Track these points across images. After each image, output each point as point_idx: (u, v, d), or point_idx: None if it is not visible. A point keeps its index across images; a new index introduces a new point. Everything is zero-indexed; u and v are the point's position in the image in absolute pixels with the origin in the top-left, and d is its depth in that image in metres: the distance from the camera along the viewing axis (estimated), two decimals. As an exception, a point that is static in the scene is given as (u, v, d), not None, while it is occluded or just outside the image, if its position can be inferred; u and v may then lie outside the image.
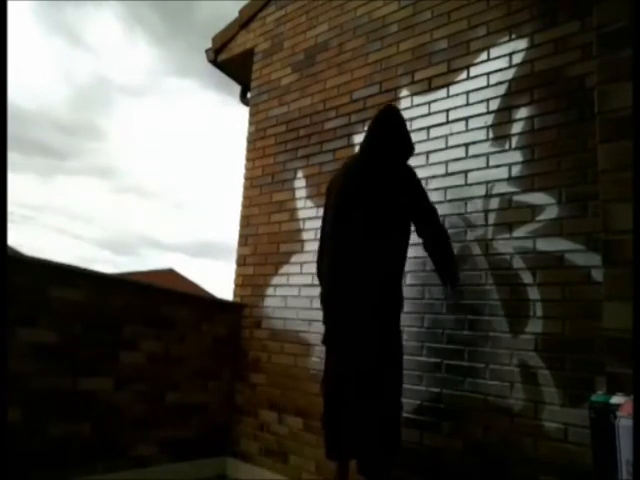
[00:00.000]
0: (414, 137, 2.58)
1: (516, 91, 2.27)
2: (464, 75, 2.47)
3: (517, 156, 2.21)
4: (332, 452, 2.04)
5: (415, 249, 2.29)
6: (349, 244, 2.05)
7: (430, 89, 2.59)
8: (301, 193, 3.14)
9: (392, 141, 2.19)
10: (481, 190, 2.29)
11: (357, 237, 2.03)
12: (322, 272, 2.24)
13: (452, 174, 2.41)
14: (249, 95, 3.84)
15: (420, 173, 2.55)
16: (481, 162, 2.32)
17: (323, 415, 2.10)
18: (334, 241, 2.13)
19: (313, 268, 2.92)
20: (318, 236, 2.95)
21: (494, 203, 2.24)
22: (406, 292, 2.45)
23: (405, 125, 2.28)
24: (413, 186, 2.13)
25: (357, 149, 2.49)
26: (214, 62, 4.08)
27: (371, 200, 2.05)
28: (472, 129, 2.39)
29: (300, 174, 3.17)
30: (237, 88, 4.21)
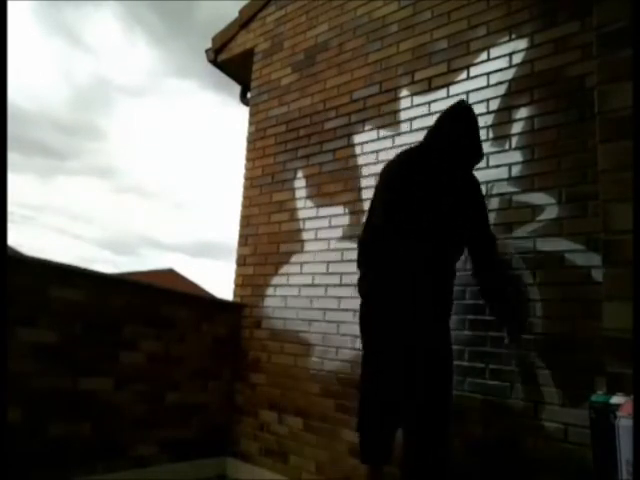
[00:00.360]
0: (414, 137, 2.59)
1: (516, 91, 2.27)
2: (464, 75, 2.47)
3: (517, 156, 2.21)
4: (373, 456, 1.90)
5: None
6: (423, 255, 1.81)
7: (430, 89, 2.59)
8: (301, 193, 3.14)
9: (470, 142, 2.00)
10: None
11: (434, 250, 1.83)
12: (382, 266, 1.90)
13: (452, 174, 2.41)
14: (249, 95, 3.84)
15: (420, 173, 2.56)
16: (481, 162, 2.32)
17: (363, 418, 1.92)
18: (407, 244, 1.84)
19: (313, 268, 2.94)
20: (318, 236, 2.96)
21: (494, 203, 2.24)
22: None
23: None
24: (483, 201, 1.98)
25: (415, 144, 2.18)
26: (214, 62, 4.08)
27: (456, 210, 1.87)
28: (472, 129, 2.38)
29: (300, 174, 3.17)
30: (237, 88, 4.21)
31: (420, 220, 1.84)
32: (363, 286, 1.94)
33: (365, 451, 1.89)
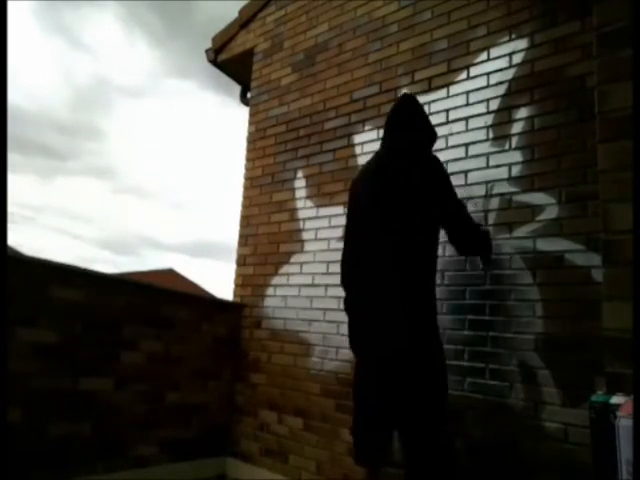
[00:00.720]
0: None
1: (516, 91, 2.27)
2: (464, 75, 2.47)
3: (517, 156, 2.21)
4: (364, 457, 1.88)
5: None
6: (386, 256, 1.83)
7: (430, 89, 2.59)
8: (301, 193, 3.14)
9: (415, 130, 2.00)
10: (481, 190, 2.29)
11: (395, 249, 1.82)
12: (354, 282, 1.99)
13: (452, 174, 2.39)
14: (249, 95, 3.84)
15: (420, 173, 2.56)
16: (481, 162, 2.32)
17: (356, 420, 1.91)
18: (369, 252, 1.89)
19: (313, 268, 2.94)
20: (318, 236, 2.97)
21: (494, 203, 2.24)
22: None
23: (424, 110, 2.11)
24: (444, 179, 1.95)
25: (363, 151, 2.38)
26: (214, 62, 4.08)
27: (406, 203, 1.84)
28: (472, 129, 2.39)
29: (300, 174, 3.17)
30: (236, 89, 4.21)
31: (373, 228, 1.89)
32: (344, 304, 2.04)
33: (356, 452, 1.90)
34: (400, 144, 1.96)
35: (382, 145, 2.09)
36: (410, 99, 2.08)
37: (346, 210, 2.13)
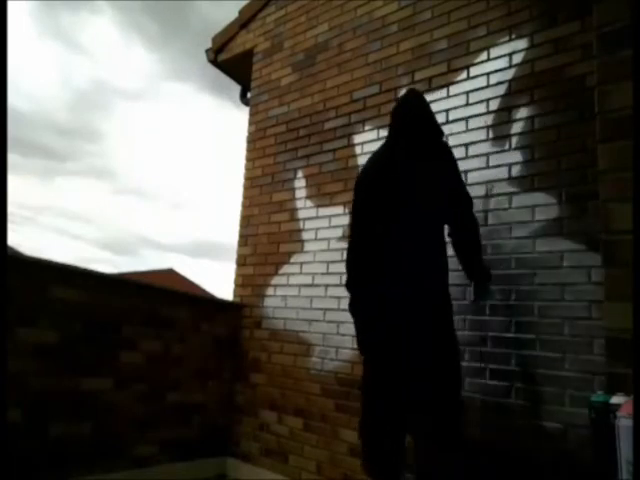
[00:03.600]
0: (414, 137, 2.59)
1: (516, 91, 2.27)
2: (464, 75, 2.47)
3: (517, 156, 2.21)
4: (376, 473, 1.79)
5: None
6: (405, 246, 1.80)
7: (430, 89, 2.59)
8: (301, 193, 3.13)
9: (425, 125, 1.98)
10: (481, 190, 2.29)
11: (412, 237, 1.80)
12: (364, 277, 1.90)
13: (452, 174, 2.41)
14: (249, 95, 3.84)
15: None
16: (481, 162, 2.32)
17: (365, 424, 1.84)
18: (386, 244, 1.83)
19: (313, 268, 2.94)
20: (318, 236, 2.96)
21: (494, 203, 2.24)
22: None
23: (430, 107, 2.07)
24: (454, 166, 1.95)
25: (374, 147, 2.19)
26: (214, 62, 4.08)
27: (418, 193, 1.83)
28: (472, 129, 2.39)
29: (300, 174, 3.17)
30: (234, 91, 4.22)
31: (394, 207, 1.85)
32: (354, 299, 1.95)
33: (368, 465, 1.78)
34: (412, 137, 1.92)
35: (390, 139, 2.03)
36: (418, 95, 2.07)
37: (350, 208, 2.07)
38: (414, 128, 1.94)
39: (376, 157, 2.04)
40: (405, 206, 1.83)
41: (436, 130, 2.02)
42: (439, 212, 1.89)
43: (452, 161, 1.97)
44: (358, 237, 1.93)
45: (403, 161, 1.89)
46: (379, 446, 1.77)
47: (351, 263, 1.94)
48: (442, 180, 1.89)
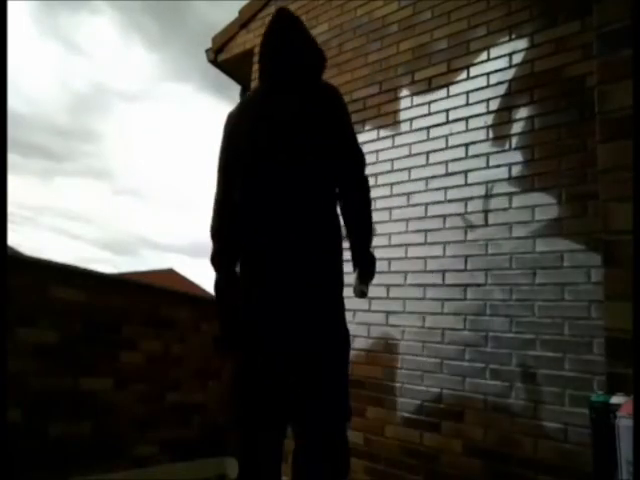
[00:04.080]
0: (414, 137, 2.59)
1: (516, 91, 2.27)
2: (464, 75, 2.47)
3: (517, 156, 2.21)
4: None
5: (420, 249, 2.28)
6: (277, 213, 1.47)
7: (430, 89, 2.59)
8: (301, 193, 3.13)
9: (300, 53, 1.61)
10: (481, 190, 2.29)
11: (293, 196, 1.47)
12: (232, 250, 1.59)
13: (452, 174, 2.41)
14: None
15: (420, 173, 2.56)
16: (481, 162, 2.32)
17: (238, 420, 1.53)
18: (260, 205, 1.50)
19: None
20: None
21: (494, 203, 2.24)
22: (407, 292, 2.46)
23: (307, 28, 1.74)
24: (343, 115, 1.57)
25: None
26: (214, 62, 4.08)
27: (302, 142, 1.49)
28: (472, 129, 2.39)
29: (300, 174, 3.17)
30: (234, 91, 4.22)
31: (269, 173, 1.49)
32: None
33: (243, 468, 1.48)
34: (285, 73, 1.57)
35: (261, 77, 1.64)
36: (288, 15, 1.69)
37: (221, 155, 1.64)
38: (288, 62, 1.57)
39: (249, 98, 1.77)
40: (286, 159, 1.48)
41: (317, 60, 1.65)
42: (322, 168, 1.51)
43: (342, 107, 1.58)
44: (223, 197, 1.59)
45: (277, 99, 1.54)
46: (255, 456, 1.47)
47: (215, 231, 1.61)
48: (328, 128, 1.51)
